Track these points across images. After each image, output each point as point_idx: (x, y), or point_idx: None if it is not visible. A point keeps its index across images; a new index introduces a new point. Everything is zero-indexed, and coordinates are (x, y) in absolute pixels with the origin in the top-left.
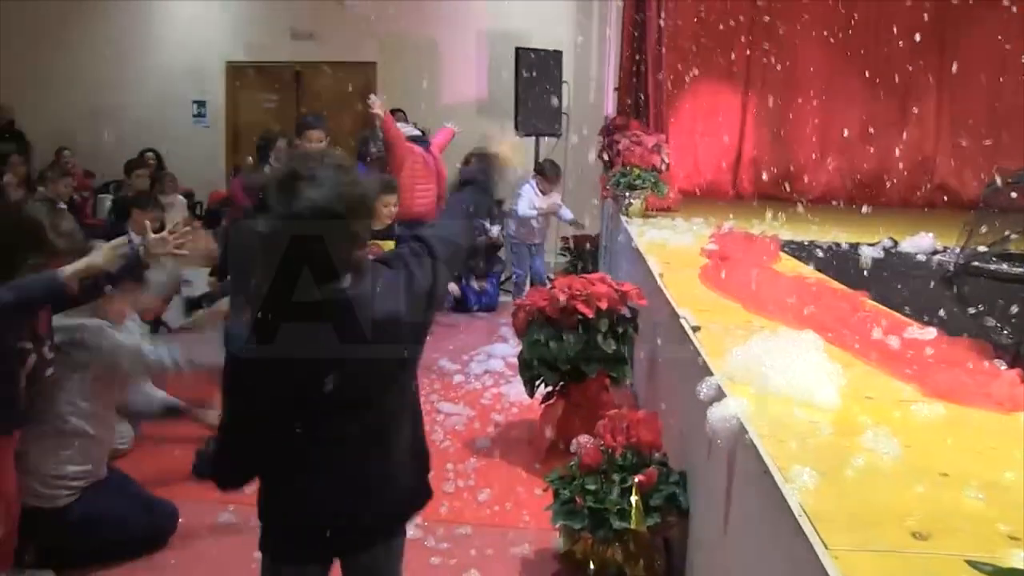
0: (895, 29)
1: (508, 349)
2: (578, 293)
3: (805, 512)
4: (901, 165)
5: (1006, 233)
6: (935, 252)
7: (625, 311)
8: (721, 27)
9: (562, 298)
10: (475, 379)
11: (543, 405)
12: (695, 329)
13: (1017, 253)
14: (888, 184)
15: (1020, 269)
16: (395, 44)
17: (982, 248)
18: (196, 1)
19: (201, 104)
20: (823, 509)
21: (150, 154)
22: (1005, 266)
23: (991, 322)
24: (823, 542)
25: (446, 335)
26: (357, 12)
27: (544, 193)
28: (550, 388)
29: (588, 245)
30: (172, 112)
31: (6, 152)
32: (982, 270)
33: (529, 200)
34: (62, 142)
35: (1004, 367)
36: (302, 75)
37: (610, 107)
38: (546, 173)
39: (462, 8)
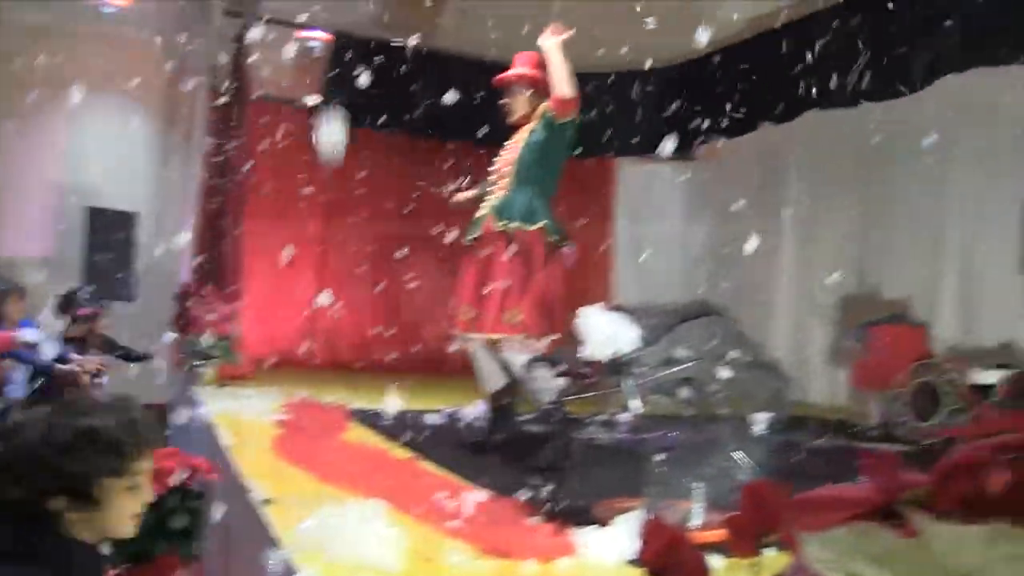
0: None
1: None
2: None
3: None
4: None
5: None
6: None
7: (196, 486)
8: (300, 197)
9: None
10: None
11: None
12: (266, 502)
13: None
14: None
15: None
16: None
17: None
18: None
19: None
20: None
21: None
22: (542, 430)
23: (533, 480)
24: None
25: None
26: None
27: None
28: (118, 572)
29: (158, 418)
30: None
31: None
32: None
33: None
34: None
35: (543, 521)
36: None
37: (185, 272)
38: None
39: (34, 159)
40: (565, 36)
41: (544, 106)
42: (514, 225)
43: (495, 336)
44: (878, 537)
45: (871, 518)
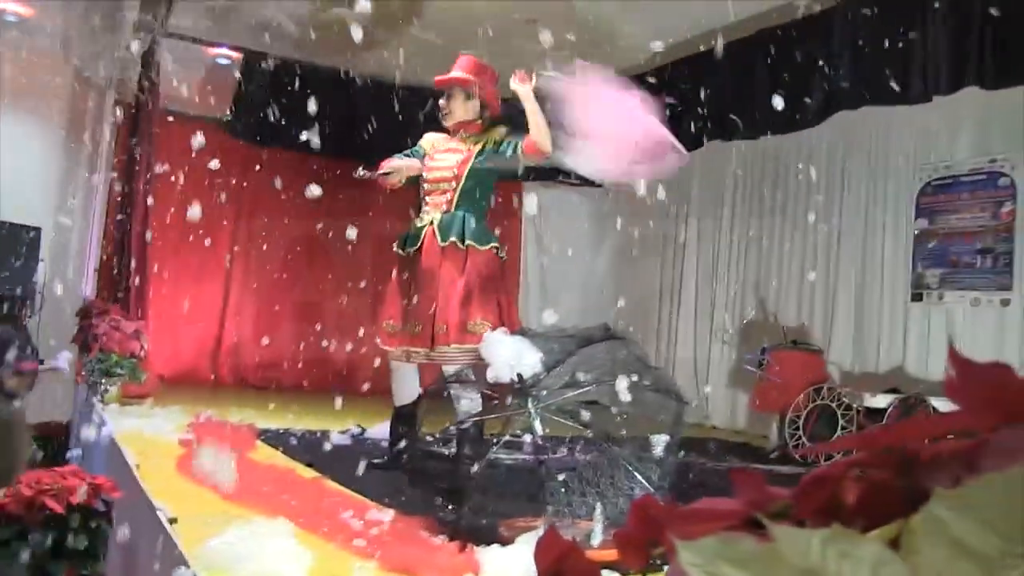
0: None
1: None
2: (47, 487)
3: None
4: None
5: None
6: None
7: (99, 505)
8: (206, 214)
9: (29, 493)
10: None
11: None
12: (172, 521)
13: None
14: (361, 374)
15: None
16: None
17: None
18: None
19: None
20: None
21: None
22: (447, 450)
23: (438, 500)
24: None
25: None
26: None
27: None
28: None
29: (58, 434)
30: None
31: None
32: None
33: None
34: None
35: (447, 540)
36: None
37: (89, 289)
38: None
39: None
40: (534, 83)
41: (499, 131)
42: (467, 244)
43: (454, 347)
44: (740, 543)
45: (737, 527)
